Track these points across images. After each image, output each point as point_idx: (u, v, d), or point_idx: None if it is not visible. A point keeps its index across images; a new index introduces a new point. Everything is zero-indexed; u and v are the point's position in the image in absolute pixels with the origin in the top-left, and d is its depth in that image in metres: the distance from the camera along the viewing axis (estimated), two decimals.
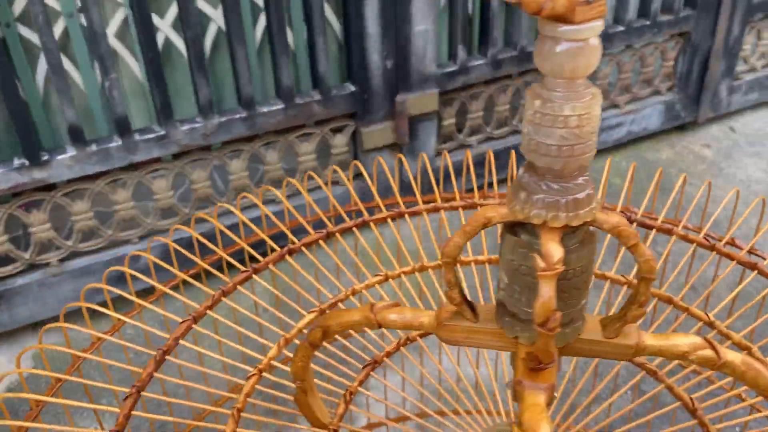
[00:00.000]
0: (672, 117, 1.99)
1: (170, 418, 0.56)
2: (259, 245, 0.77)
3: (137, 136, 1.29)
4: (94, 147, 1.26)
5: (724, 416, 0.63)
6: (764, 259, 0.69)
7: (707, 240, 0.68)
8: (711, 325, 0.62)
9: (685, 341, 0.45)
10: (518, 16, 1.59)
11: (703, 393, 0.60)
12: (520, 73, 1.67)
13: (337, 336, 0.68)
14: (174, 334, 0.58)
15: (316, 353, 0.58)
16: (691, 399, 0.58)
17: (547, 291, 0.40)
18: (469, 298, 0.48)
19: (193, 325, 0.60)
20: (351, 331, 0.73)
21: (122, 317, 0.62)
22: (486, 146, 1.69)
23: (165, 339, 0.59)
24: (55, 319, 1.40)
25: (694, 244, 0.70)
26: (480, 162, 1.66)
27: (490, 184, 1.72)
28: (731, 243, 0.70)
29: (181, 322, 0.60)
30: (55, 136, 1.47)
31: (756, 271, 0.68)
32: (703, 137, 2.07)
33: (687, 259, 0.70)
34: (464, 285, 0.53)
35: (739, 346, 0.60)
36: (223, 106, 1.73)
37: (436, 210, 0.73)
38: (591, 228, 0.44)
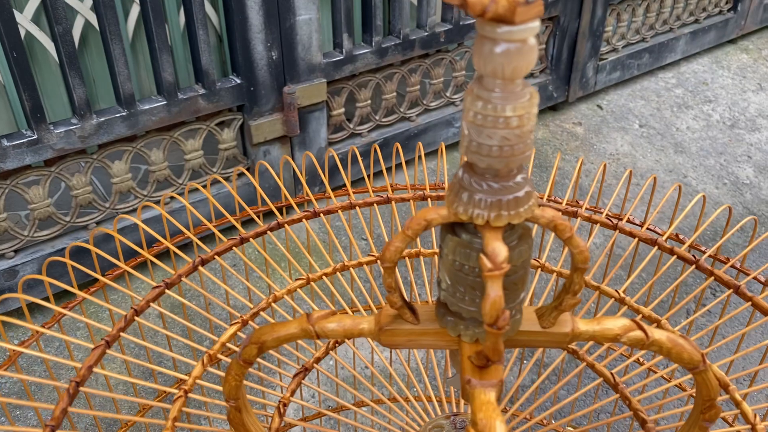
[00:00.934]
0: (545, 98, 2.08)
1: None
2: (160, 254, 0.72)
3: (5, 142, 1.19)
4: None
5: (642, 387, 0.67)
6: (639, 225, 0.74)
7: (609, 220, 0.72)
8: (622, 301, 0.66)
9: (616, 324, 0.47)
10: (399, 4, 1.60)
11: (620, 368, 0.63)
12: (403, 61, 1.68)
13: None
14: (86, 362, 0.54)
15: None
16: (612, 375, 0.61)
17: (495, 291, 0.40)
18: (408, 299, 0.47)
19: (108, 350, 0.56)
20: None
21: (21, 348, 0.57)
22: (375, 134, 1.70)
23: (76, 367, 0.55)
24: None
25: (599, 225, 0.73)
26: (367, 152, 1.67)
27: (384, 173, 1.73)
28: (615, 216, 0.74)
29: (94, 348, 0.56)
30: None
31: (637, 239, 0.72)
32: (575, 116, 2.18)
33: (593, 239, 0.73)
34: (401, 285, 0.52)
35: (649, 320, 0.64)
36: (96, 106, 1.63)
37: (352, 207, 0.72)
38: (527, 223, 0.44)
